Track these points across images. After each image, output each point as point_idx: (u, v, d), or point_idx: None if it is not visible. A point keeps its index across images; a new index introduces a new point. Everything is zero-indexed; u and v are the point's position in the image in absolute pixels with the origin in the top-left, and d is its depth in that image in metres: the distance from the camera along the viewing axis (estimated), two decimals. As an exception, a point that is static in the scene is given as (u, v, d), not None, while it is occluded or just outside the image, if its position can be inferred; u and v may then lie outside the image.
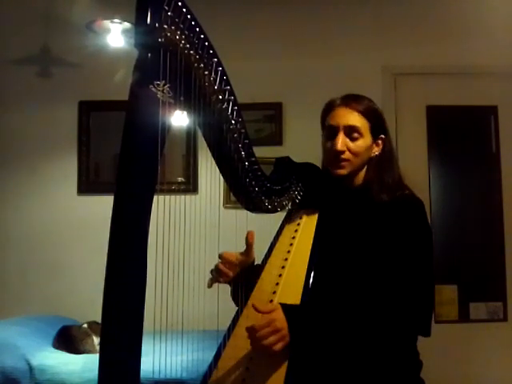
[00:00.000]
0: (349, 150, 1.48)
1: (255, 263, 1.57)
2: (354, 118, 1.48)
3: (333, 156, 1.49)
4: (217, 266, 1.51)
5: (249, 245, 1.52)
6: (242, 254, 1.53)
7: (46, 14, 3.35)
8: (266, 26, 3.47)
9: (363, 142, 1.49)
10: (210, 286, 1.52)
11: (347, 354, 1.34)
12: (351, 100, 1.51)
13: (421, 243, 1.41)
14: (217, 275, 1.51)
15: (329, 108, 1.54)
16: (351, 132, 1.48)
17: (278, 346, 1.23)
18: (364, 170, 1.53)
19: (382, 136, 1.53)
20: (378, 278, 1.35)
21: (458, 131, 3.59)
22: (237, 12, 3.41)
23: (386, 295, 1.32)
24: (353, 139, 1.48)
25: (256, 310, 1.27)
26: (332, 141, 1.49)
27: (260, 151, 1.46)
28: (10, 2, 3.38)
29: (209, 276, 1.54)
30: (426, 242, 1.43)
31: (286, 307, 1.27)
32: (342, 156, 1.48)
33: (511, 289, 3.43)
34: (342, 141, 1.47)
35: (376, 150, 1.52)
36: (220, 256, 1.52)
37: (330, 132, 1.51)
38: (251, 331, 1.24)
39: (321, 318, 1.29)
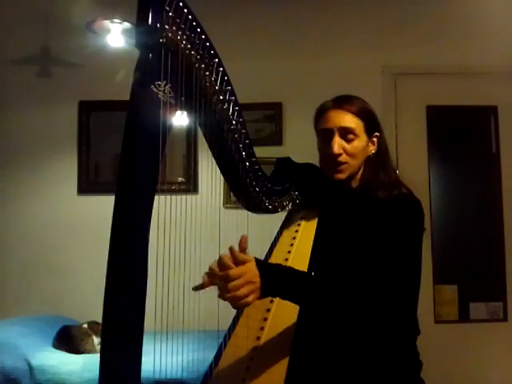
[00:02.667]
0: (345, 152, 1.47)
1: None
2: (347, 119, 1.47)
3: (330, 160, 1.48)
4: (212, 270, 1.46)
5: (242, 250, 1.50)
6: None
7: (46, 13, 3.35)
8: (267, 26, 3.47)
9: (359, 143, 1.48)
10: (197, 288, 1.33)
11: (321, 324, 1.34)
12: (343, 101, 1.50)
13: (406, 240, 1.37)
14: (210, 279, 1.46)
15: (321, 111, 1.53)
16: (346, 133, 1.47)
17: (249, 299, 1.19)
18: (361, 169, 1.53)
19: (377, 134, 1.52)
20: (359, 268, 1.35)
21: (458, 131, 3.59)
22: (237, 12, 3.41)
23: (361, 282, 1.30)
24: (348, 141, 1.47)
25: (231, 253, 1.22)
26: (328, 144, 1.48)
27: (260, 151, 1.46)
28: (10, 2, 3.38)
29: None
30: (412, 240, 1.39)
31: (259, 261, 1.25)
32: (339, 159, 1.47)
33: (511, 289, 3.43)
34: (338, 143, 1.46)
35: (372, 149, 1.52)
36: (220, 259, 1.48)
37: (324, 135, 1.50)
38: (224, 279, 1.19)
39: (294, 278, 1.27)
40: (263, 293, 1.21)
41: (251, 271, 1.21)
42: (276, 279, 1.24)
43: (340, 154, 1.47)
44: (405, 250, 1.37)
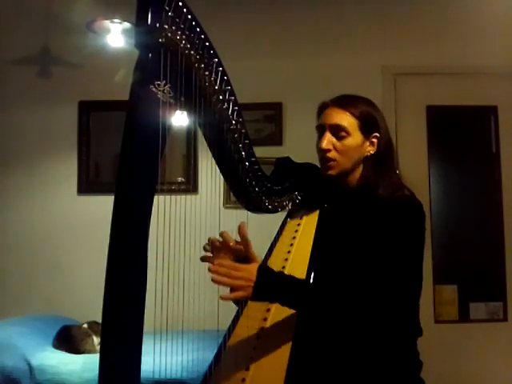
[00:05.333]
0: (335, 148, 1.47)
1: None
2: (339, 117, 1.47)
3: (320, 156, 1.50)
4: (211, 239, 1.47)
5: (242, 237, 1.49)
6: (238, 243, 1.51)
7: (46, 13, 3.35)
8: (266, 26, 3.47)
9: (351, 141, 1.47)
10: (202, 260, 1.47)
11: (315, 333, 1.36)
12: (340, 100, 1.50)
13: (408, 242, 1.38)
14: (209, 247, 1.47)
15: (320, 109, 1.54)
16: (337, 131, 1.47)
17: (238, 294, 1.24)
18: (360, 169, 1.51)
19: (376, 134, 1.49)
20: (361, 271, 1.35)
21: (458, 131, 3.59)
22: (237, 12, 3.41)
23: (362, 285, 1.31)
24: (339, 138, 1.47)
25: (240, 231, 1.30)
26: (319, 140, 1.49)
27: (260, 151, 1.47)
28: (10, 2, 3.38)
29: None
30: (414, 242, 1.39)
31: (262, 267, 1.29)
32: (328, 155, 1.47)
33: (511, 289, 3.43)
34: (327, 139, 1.47)
35: (371, 149, 1.49)
36: (221, 234, 1.47)
37: (318, 132, 1.52)
38: (221, 265, 1.25)
39: (289, 288, 1.29)
40: (254, 294, 1.25)
41: (251, 271, 1.26)
42: (270, 285, 1.27)
43: (328, 150, 1.47)
44: (405, 252, 1.36)
